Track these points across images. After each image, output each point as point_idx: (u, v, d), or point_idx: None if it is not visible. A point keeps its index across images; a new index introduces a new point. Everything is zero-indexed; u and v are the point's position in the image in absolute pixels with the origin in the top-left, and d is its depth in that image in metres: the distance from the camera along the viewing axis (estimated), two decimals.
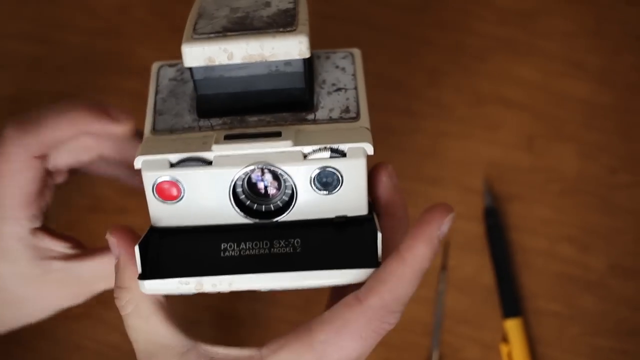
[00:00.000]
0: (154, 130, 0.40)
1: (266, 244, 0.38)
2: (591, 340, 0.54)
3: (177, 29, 0.62)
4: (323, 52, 0.43)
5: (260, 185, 0.39)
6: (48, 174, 0.47)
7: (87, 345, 0.55)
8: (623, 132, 0.58)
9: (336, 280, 0.37)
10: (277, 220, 0.38)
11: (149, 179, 0.38)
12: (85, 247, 0.49)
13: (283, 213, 0.38)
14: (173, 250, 0.38)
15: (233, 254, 0.38)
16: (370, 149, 0.38)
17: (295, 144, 0.37)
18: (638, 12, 0.61)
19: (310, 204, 0.38)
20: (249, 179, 0.38)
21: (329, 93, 0.41)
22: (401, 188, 0.41)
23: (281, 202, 0.39)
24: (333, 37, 0.62)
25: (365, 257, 0.37)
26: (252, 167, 0.37)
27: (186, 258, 0.38)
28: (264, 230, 0.38)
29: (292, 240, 0.38)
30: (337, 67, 0.42)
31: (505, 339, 0.54)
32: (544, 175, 0.58)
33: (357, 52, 0.43)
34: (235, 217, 0.38)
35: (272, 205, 0.39)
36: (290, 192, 0.38)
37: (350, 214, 0.38)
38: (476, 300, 0.55)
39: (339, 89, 0.41)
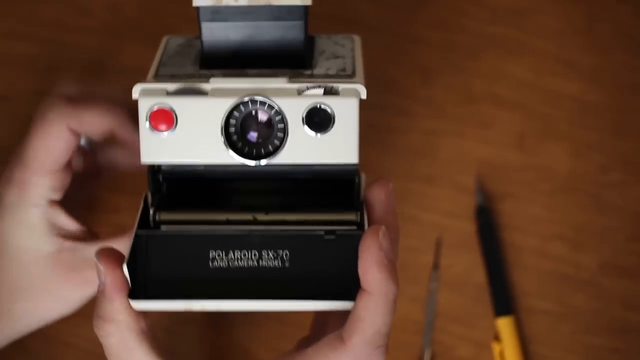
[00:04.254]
0: (156, 75, 0.41)
1: (255, 255, 0.38)
2: (583, 339, 0.54)
3: (168, 27, 0.62)
4: (324, 34, 0.45)
5: (252, 122, 0.39)
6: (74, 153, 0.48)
7: (79, 344, 0.54)
8: (615, 130, 0.59)
9: (323, 307, 0.37)
10: (265, 164, 0.39)
11: (144, 106, 0.38)
12: (97, 234, 0.50)
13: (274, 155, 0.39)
14: (161, 261, 0.38)
15: (222, 264, 0.38)
16: (363, 92, 0.39)
17: (291, 82, 0.39)
18: (629, 10, 0.61)
19: (301, 146, 0.38)
20: (242, 121, 0.39)
21: (327, 59, 0.43)
22: (396, 210, 0.41)
23: (272, 146, 0.39)
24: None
25: (353, 284, 0.37)
26: (246, 99, 0.38)
27: (175, 271, 0.38)
28: (253, 238, 0.38)
29: (281, 252, 0.38)
30: (336, 43, 0.44)
31: (497, 338, 0.54)
32: (536, 174, 0.58)
33: (357, 37, 0.45)
34: (225, 155, 0.38)
35: (262, 150, 0.39)
36: (282, 136, 0.38)
37: (339, 161, 0.39)
38: (468, 298, 0.55)
39: (337, 57, 0.43)
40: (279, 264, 0.38)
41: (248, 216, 0.39)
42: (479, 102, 0.60)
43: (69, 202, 0.49)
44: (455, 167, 0.58)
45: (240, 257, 0.38)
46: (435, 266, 0.56)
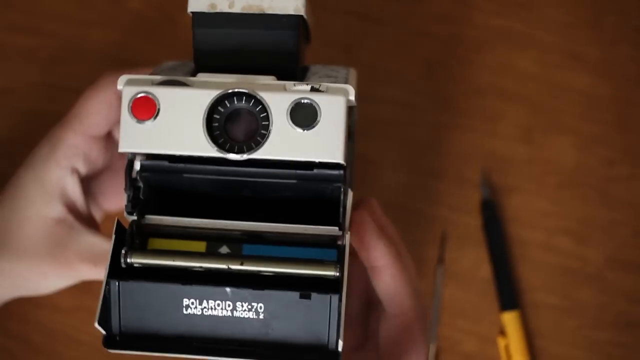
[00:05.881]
0: None
1: (229, 305, 0.37)
2: (589, 333, 0.54)
3: (171, 19, 0.61)
4: (320, 65, 0.44)
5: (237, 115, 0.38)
6: (111, 140, 0.49)
7: (81, 338, 0.54)
8: (621, 124, 0.58)
9: None
10: (248, 157, 0.38)
11: (127, 94, 0.38)
12: (98, 225, 0.50)
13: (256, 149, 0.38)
14: (134, 309, 0.37)
15: (195, 312, 0.37)
16: (352, 92, 0.38)
17: (279, 79, 0.38)
18: (635, 3, 0.61)
19: (284, 141, 0.37)
20: (227, 118, 0.38)
21: (320, 77, 0.42)
22: (390, 225, 0.40)
23: (255, 143, 0.38)
24: (328, 28, 0.61)
25: (329, 344, 0.36)
26: (230, 91, 0.37)
27: (148, 319, 0.37)
28: (228, 293, 0.37)
29: (256, 304, 0.37)
30: (331, 70, 0.44)
31: (502, 332, 0.54)
32: (542, 168, 0.57)
33: (353, 70, 0.44)
34: (206, 147, 0.38)
35: (244, 146, 0.38)
36: (265, 130, 0.38)
37: (324, 159, 0.37)
38: (474, 293, 0.55)
39: (330, 77, 0.42)
40: (253, 315, 0.37)
41: (222, 265, 0.38)
42: (484, 95, 0.59)
43: (89, 195, 0.50)
44: (460, 160, 0.58)
45: (214, 306, 0.37)
46: (441, 260, 0.56)
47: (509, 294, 0.54)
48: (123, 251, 0.38)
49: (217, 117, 0.38)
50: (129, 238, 0.39)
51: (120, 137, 0.38)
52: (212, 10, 0.40)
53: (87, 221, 0.49)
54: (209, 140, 0.38)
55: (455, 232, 0.56)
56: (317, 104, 0.37)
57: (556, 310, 0.54)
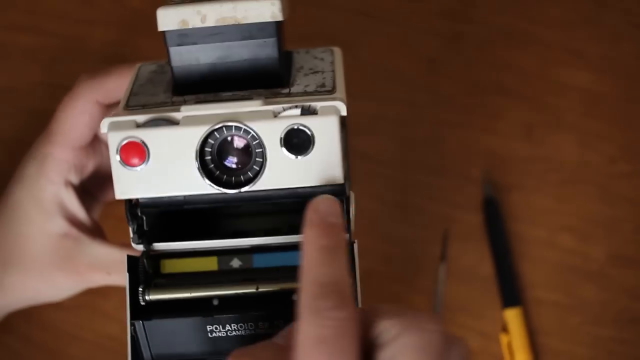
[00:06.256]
0: (127, 106, 0.39)
1: (251, 325, 0.38)
2: (591, 330, 0.54)
3: None
4: (303, 49, 0.43)
5: (230, 147, 0.37)
6: (98, 141, 0.48)
7: (84, 335, 0.54)
8: (623, 121, 0.58)
9: None
10: (246, 190, 0.37)
11: (114, 140, 0.37)
12: (104, 233, 0.50)
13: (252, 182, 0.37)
14: (161, 341, 0.38)
15: (220, 334, 0.38)
16: (343, 109, 0.37)
17: (266, 104, 0.37)
18: (637, 0, 0.61)
19: (281, 171, 0.37)
20: (219, 148, 0.37)
21: (306, 75, 0.40)
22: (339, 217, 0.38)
23: (252, 172, 0.37)
24: (331, 25, 0.61)
25: None
26: (219, 125, 0.36)
27: (177, 346, 0.38)
28: (247, 316, 0.38)
29: (275, 322, 0.38)
30: (315, 57, 0.42)
31: (505, 329, 0.54)
32: (544, 165, 0.57)
33: (337, 49, 0.43)
34: (203, 185, 0.37)
35: (242, 177, 0.37)
36: (260, 161, 0.37)
37: (324, 182, 0.37)
38: (476, 290, 0.55)
39: (316, 72, 0.41)
40: (274, 330, 0.37)
41: (239, 291, 0.38)
42: (486, 92, 0.59)
43: (86, 194, 0.50)
44: (462, 158, 0.58)
45: (237, 328, 0.38)
46: (443, 258, 0.56)
47: (511, 291, 0.54)
48: (140, 289, 0.38)
49: (209, 149, 0.37)
50: (142, 274, 0.39)
51: (114, 183, 0.37)
52: (184, 27, 0.38)
53: (92, 230, 0.49)
54: (205, 178, 0.37)
55: (457, 230, 0.56)
56: (310, 129, 0.36)
57: (558, 307, 0.54)
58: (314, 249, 0.34)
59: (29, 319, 0.52)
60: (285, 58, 0.41)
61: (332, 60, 0.42)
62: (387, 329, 0.33)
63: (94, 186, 0.51)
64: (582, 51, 0.60)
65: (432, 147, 0.58)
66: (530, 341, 0.53)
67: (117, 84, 0.46)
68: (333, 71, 0.41)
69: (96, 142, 0.49)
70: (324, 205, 0.35)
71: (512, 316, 0.54)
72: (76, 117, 0.46)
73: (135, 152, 0.37)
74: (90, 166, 0.49)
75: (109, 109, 0.47)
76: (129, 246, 0.47)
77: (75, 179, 0.48)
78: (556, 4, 0.61)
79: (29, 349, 0.54)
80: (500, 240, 0.56)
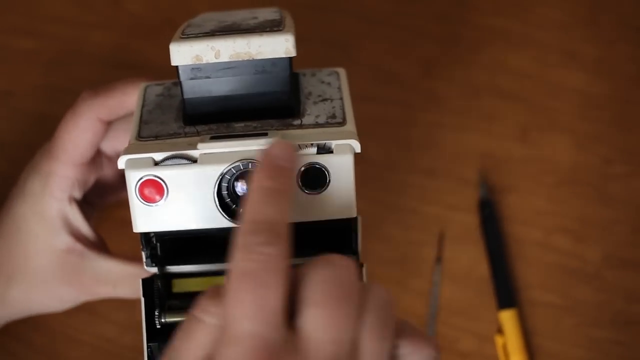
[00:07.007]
0: (139, 137, 0.40)
1: None
2: (587, 331, 0.54)
3: (171, 22, 0.62)
4: (309, 70, 0.44)
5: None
6: (99, 155, 0.49)
7: (82, 338, 0.55)
8: (618, 122, 0.58)
9: None
10: None
11: (133, 178, 0.38)
12: (108, 247, 0.50)
13: None
14: None
15: None
16: (357, 147, 0.38)
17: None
18: (632, 2, 0.61)
19: (297, 205, 0.38)
20: (234, 184, 0.38)
21: (315, 103, 0.41)
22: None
23: None
24: (327, 28, 0.61)
25: None
26: (237, 164, 0.37)
27: None
28: None
29: None
30: (322, 82, 0.43)
31: (500, 330, 0.54)
32: (539, 167, 0.58)
33: (342, 70, 0.44)
34: (221, 220, 0.38)
35: None
36: None
37: (337, 216, 0.38)
38: (471, 291, 0.55)
39: (325, 99, 0.41)
40: None
41: None
42: (481, 94, 0.59)
43: (86, 204, 0.50)
44: (458, 159, 0.58)
45: None
46: (438, 259, 0.56)
47: (506, 293, 0.55)
48: (156, 313, 0.39)
49: (225, 184, 0.38)
50: (157, 297, 0.40)
51: (132, 218, 0.38)
52: (198, 62, 0.39)
53: (96, 245, 0.49)
54: (222, 213, 0.38)
55: (452, 231, 0.56)
56: (326, 168, 0.37)
57: (554, 308, 0.55)
58: (256, 189, 0.34)
59: (28, 322, 0.52)
60: (293, 83, 0.41)
61: (339, 86, 0.43)
62: (304, 275, 0.33)
63: (93, 195, 0.51)
64: (578, 53, 0.60)
65: (428, 148, 0.58)
66: (526, 343, 0.54)
67: (120, 102, 0.46)
68: (341, 99, 0.42)
69: (97, 157, 0.49)
70: (276, 149, 0.35)
71: (508, 317, 0.54)
72: (79, 135, 0.47)
73: (154, 189, 0.38)
74: (92, 179, 0.49)
75: (111, 125, 0.48)
76: (134, 259, 0.48)
77: (78, 195, 0.48)
78: (551, 6, 0.61)
79: (27, 352, 0.54)
80: (495, 242, 0.56)
